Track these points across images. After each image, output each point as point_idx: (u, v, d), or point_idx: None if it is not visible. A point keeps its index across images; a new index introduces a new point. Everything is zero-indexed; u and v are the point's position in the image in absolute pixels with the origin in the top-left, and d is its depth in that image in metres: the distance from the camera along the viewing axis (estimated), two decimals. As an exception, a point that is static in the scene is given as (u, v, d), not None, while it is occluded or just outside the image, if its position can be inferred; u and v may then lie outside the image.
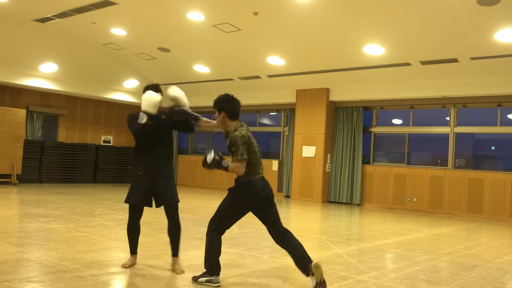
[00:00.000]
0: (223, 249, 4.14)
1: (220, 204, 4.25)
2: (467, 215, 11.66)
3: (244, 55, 12.92)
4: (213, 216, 4.22)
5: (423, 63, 11.17)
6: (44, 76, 14.24)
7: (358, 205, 13.29)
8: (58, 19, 11.84)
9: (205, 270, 4.09)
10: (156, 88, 4.63)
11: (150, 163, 4.50)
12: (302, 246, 4.10)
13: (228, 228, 4.21)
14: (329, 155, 13.87)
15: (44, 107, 15.33)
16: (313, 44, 11.43)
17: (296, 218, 10.16)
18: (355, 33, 10.49)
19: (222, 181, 16.61)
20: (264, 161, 15.31)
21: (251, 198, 4.20)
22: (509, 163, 12.69)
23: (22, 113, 13.86)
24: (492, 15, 8.74)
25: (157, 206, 4.63)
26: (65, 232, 6.31)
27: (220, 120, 4.33)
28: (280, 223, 4.22)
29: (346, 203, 13.47)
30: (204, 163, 4.14)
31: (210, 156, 4.09)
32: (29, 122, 14.93)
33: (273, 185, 15.10)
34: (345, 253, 5.93)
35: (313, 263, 3.93)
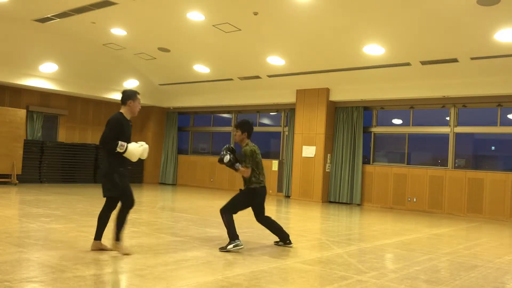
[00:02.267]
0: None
1: (233, 197, 5.83)
2: (467, 215, 11.66)
3: (244, 55, 12.92)
4: (226, 204, 5.72)
5: (423, 63, 11.17)
6: (44, 76, 14.24)
7: (358, 205, 13.29)
8: (58, 19, 11.84)
9: (229, 240, 5.52)
10: (135, 95, 5.28)
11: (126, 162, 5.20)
12: (281, 227, 6.07)
13: (235, 213, 5.74)
14: (329, 155, 13.88)
15: (44, 107, 15.33)
16: (313, 44, 11.43)
17: (296, 218, 10.16)
18: (355, 33, 10.49)
19: (221, 181, 16.62)
20: (264, 161, 15.26)
21: (255, 200, 5.91)
22: (509, 163, 12.69)
23: (22, 113, 13.87)
24: (492, 15, 8.75)
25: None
26: (65, 232, 6.31)
27: (240, 137, 5.92)
28: (264, 212, 6.08)
29: (346, 203, 13.47)
30: (221, 161, 5.73)
31: (227, 158, 5.64)
32: (29, 122, 14.93)
33: (273, 185, 15.11)
34: (345, 253, 5.93)
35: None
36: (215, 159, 17.06)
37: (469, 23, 9.18)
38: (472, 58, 10.49)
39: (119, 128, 5.02)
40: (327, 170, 13.83)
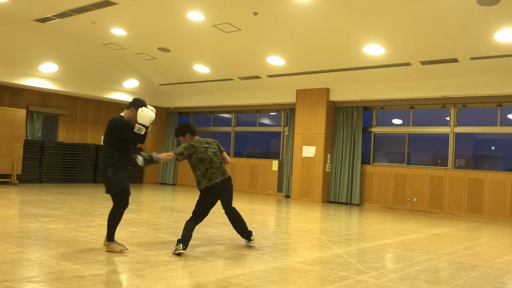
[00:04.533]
0: (223, 248, 4.55)
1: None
2: (467, 215, 11.66)
3: (244, 55, 12.92)
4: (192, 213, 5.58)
5: (423, 63, 11.17)
6: (44, 76, 14.24)
7: (358, 205, 13.29)
8: (58, 19, 11.84)
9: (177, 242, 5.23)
10: (145, 104, 5.34)
11: (127, 161, 5.33)
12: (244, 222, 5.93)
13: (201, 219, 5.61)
14: (329, 155, 13.88)
15: (44, 107, 15.33)
16: (313, 44, 11.43)
17: (296, 218, 10.16)
18: (355, 33, 10.49)
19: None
20: (264, 161, 15.39)
21: (215, 198, 5.69)
22: (509, 163, 12.69)
23: (22, 113, 13.86)
24: (492, 15, 8.74)
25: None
26: (65, 232, 6.31)
27: (185, 141, 5.69)
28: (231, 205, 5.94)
29: (346, 203, 13.47)
30: (140, 165, 5.20)
31: (140, 160, 5.14)
32: (29, 122, 14.93)
33: (273, 185, 15.10)
34: (345, 253, 5.93)
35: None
36: (215, 159, 17.14)
37: (469, 23, 9.18)
38: (472, 58, 10.48)
39: (126, 127, 5.22)
40: (327, 170, 13.83)
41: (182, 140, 5.70)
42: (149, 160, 5.14)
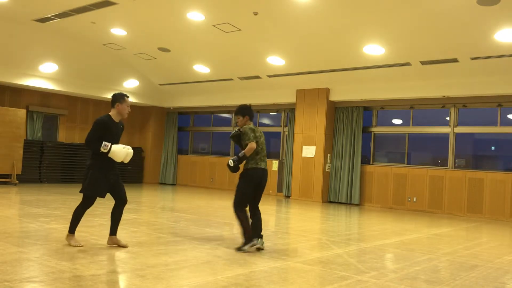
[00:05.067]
0: (223, 248, 4.62)
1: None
2: (467, 215, 11.66)
3: (244, 55, 12.92)
4: (233, 199, 5.72)
5: (423, 63, 11.17)
6: (44, 76, 14.24)
7: (358, 205, 13.29)
8: (58, 19, 11.84)
9: (244, 240, 5.54)
10: (123, 97, 5.59)
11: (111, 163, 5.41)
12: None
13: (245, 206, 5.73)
14: (329, 155, 13.88)
15: (44, 107, 15.33)
16: (313, 44, 11.43)
17: (296, 218, 10.16)
18: (355, 33, 10.49)
19: (221, 181, 16.62)
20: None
21: (252, 181, 5.76)
22: (509, 163, 12.69)
23: (22, 113, 13.87)
24: (492, 15, 8.74)
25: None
26: (65, 232, 6.28)
27: (242, 122, 5.95)
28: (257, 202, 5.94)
29: (346, 203, 13.47)
30: (231, 169, 5.73)
31: (230, 162, 5.64)
32: (29, 122, 14.93)
33: (273, 185, 15.11)
34: (345, 253, 5.93)
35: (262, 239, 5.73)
36: (215, 159, 17.19)
37: (469, 23, 9.18)
38: (472, 58, 10.48)
39: (103, 129, 5.25)
40: (327, 170, 13.83)
41: (240, 121, 5.95)
42: (238, 160, 5.64)
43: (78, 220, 5.40)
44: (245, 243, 5.54)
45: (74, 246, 5.26)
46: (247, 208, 5.75)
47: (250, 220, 5.68)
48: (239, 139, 5.87)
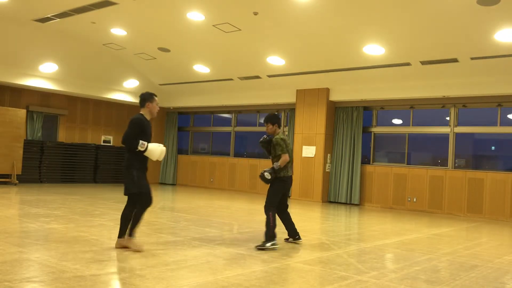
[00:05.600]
0: (223, 248, 4.50)
1: (268, 192, 6.22)
2: (467, 215, 11.66)
3: (244, 55, 12.92)
4: (266, 201, 6.11)
5: (423, 63, 11.17)
6: (44, 76, 14.24)
7: (358, 205, 13.29)
8: (58, 19, 11.84)
9: (265, 239, 5.87)
10: (152, 96, 5.58)
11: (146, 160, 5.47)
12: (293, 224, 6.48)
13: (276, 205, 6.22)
14: (329, 155, 13.88)
15: (44, 107, 15.33)
16: (313, 44, 11.43)
17: (296, 218, 10.10)
18: (355, 33, 10.49)
19: (221, 181, 16.62)
20: (264, 161, 15.39)
21: (284, 188, 6.33)
22: (509, 163, 12.69)
23: (22, 113, 13.87)
24: (492, 15, 8.74)
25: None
26: (65, 232, 6.31)
27: (272, 129, 6.31)
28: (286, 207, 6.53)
29: (346, 203, 13.47)
30: (266, 182, 6.12)
31: (267, 174, 6.03)
32: (29, 122, 14.93)
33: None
34: (345, 253, 5.93)
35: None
36: (215, 159, 17.20)
37: (469, 23, 9.18)
38: (472, 58, 10.48)
39: (140, 128, 5.27)
40: (327, 170, 13.83)
41: (270, 128, 6.30)
42: (275, 172, 6.06)
43: (139, 222, 5.36)
44: (266, 241, 5.83)
45: (135, 250, 5.19)
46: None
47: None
48: (268, 145, 6.32)
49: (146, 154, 5.25)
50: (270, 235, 5.86)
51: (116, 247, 5.31)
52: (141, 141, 5.21)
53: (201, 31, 11.59)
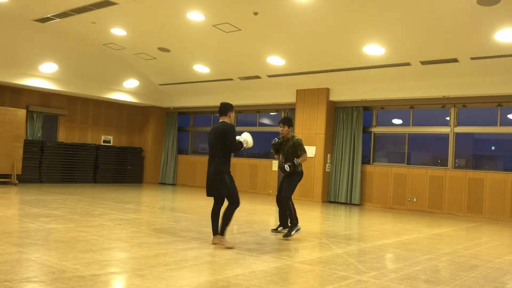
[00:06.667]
0: (223, 248, 4.84)
1: (288, 184, 7.00)
2: (467, 215, 11.66)
3: (244, 55, 12.92)
4: (285, 192, 6.95)
5: (423, 63, 11.17)
6: (44, 76, 14.24)
7: (358, 205, 13.29)
8: (58, 19, 11.85)
9: (290, 226, 6.81)
10: (232, 107, 6.57)
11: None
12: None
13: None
14: (329, 155, 13.88)
15: (44, 107, 15.34)
16: (313, 44, 11.43)
17: (296, 218, 10.13)
18: (355, 33, 10.49)
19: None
20: (264, 161, 15.41)
21: (299, 181, 7.18)
22: (509, 163, 12.69)
23: (22, 113, 13.87)
24: (492, 15, 8.74)
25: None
26: (65, 232, 6.31)
27: (287, 131, 7.00)
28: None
29: (346, 203, 13.47)
30: (285, 173, 6.95)
31: (287, 167, 6.84)
32: (29, 122, 14.93)
33: (273, 185, 15.10)
34: (345, 253, 5.93)
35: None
36: (215, 159, 17.15)
37: (469, 23, 9.18)
38: (472, 58, 10.49)
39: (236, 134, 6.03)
40: (327, 170, 13.83)
41: (285, 130, 6.96)
42: (294, 167, 6.83)
43: (229, 221, 5.81)
44: (291, 229, 6.70)
45: (228, 248, 5.62)
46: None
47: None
48: (280, 146, 7.01)
49: (246, 146, 6.03)
50: (295, 222, 6.70)
51: (212, 243, 5.81)
52: (240, 140, 5.97)
53: (201, 31, 11.59)
